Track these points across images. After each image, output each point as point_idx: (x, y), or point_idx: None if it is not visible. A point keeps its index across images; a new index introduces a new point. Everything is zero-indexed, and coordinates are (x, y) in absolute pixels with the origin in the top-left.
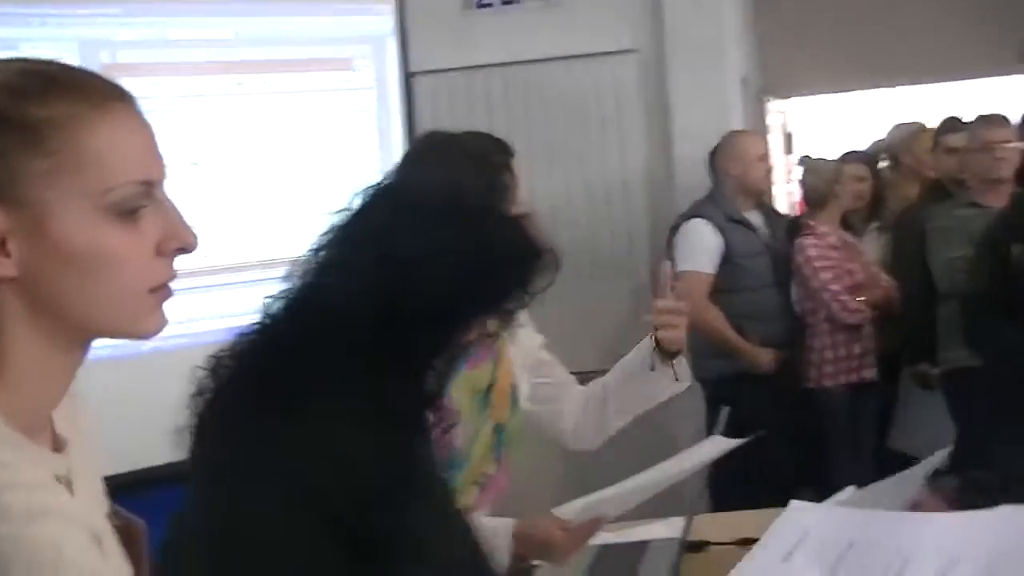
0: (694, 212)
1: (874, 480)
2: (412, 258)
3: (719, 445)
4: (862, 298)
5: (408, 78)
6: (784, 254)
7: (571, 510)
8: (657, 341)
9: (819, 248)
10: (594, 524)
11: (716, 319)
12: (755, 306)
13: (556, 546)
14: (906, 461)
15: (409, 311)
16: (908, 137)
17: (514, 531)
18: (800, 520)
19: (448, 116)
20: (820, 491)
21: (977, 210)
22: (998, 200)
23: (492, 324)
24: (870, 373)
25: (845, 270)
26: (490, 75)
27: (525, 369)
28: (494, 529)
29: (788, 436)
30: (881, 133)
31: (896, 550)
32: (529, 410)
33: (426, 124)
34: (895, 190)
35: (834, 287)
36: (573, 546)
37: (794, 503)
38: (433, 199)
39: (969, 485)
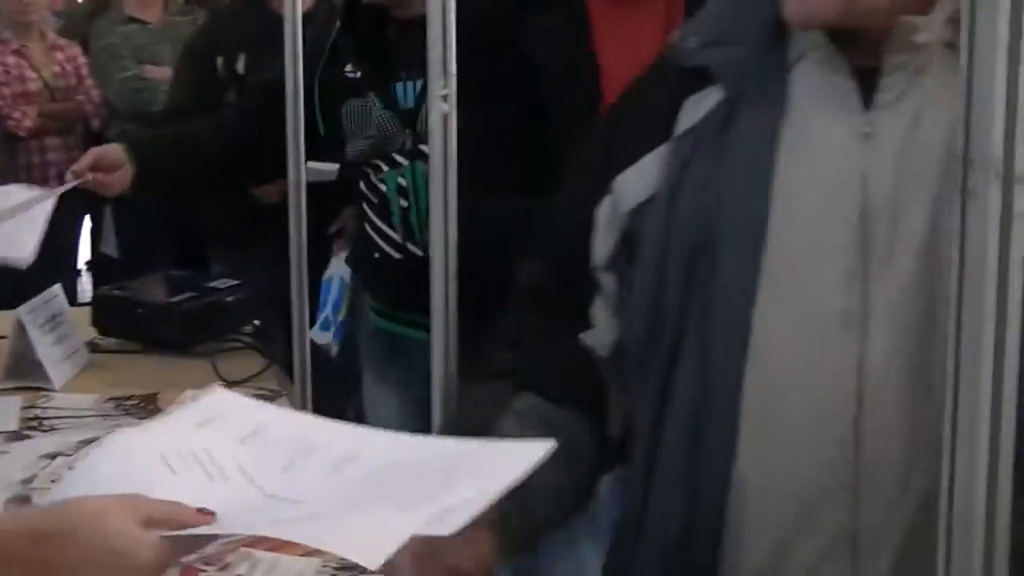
0: None
1: None
2: None
3: None
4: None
5: None
6: None
7: None
8: None
9: None
10: None
11: None
12: None
13: None
14: None
15: None
16: None
17: None
18: (218, 401)
19: None
20: None
21: (137, 25)
22: (153, 16)
23: None
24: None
25: (15, 77)
26: None
27: None
28: None
29: None
30: None
31: (297, 440)
32: None
33: None
34: None
35: None
36: None
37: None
38: None
39: None
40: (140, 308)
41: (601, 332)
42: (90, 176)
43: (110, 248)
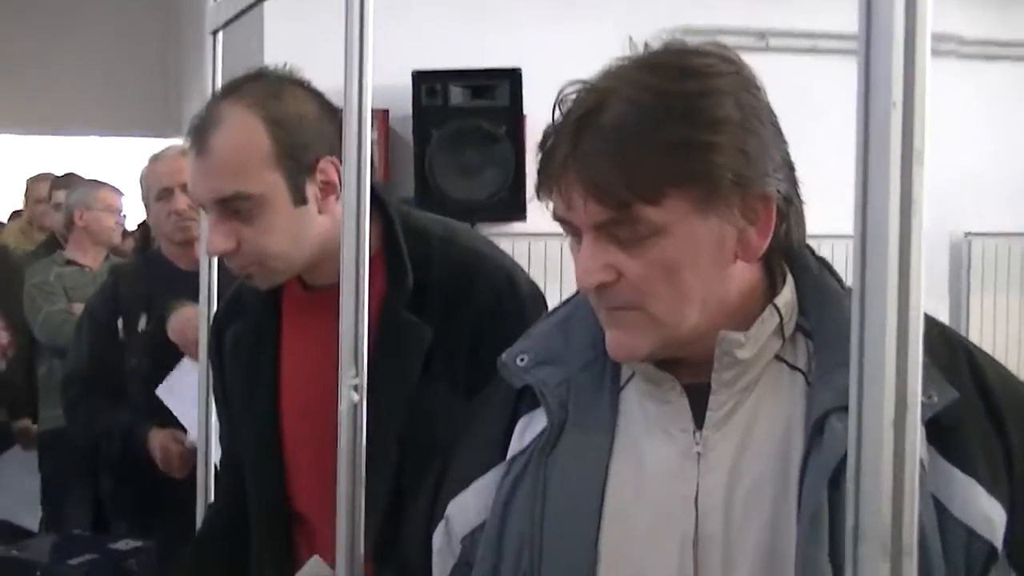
0: None
1: None
2: None
3: None
4: None
5: None
6: None
7: None
8: None
9: None
10: None
11: None
12: None
13: None
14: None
15: None
16: (28, 186)
17: None
18: None
19: None
20: None
21: (74, 268)
22: (92, 262)
23: None
24: None
25: None
26: None
27: None
28: None
29: None
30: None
31: None
32: None
33: None
34: (15, 237)
35: None
36: None
37: None
38: None
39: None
40: (37, 570)
41: None
42: None
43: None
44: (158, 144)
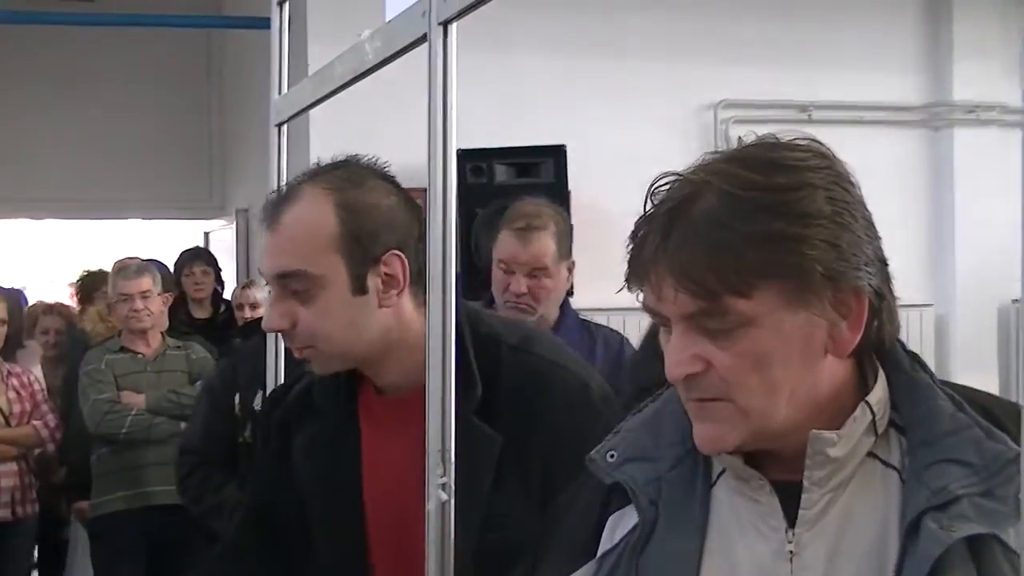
0: None
1: None
2: None
3: None
4: None
5: None
6: None
7: None
8: None
9: None
10: None
11: None
12: None
13: None
14: None
15: None
16: (104, 275)
17: None
18: None
19: None
20: None
21: (127, 355)
22: (146, 349)
23: None
24: (9, 511)
25: None
26: None
27: None
28: None
29: None
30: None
31: None
32: None
33: None
34: (93, 322)
35: None
36: None
37: None
38: None
39: None
40: None
41: None
42: None
43: None
44: (203, 227)
